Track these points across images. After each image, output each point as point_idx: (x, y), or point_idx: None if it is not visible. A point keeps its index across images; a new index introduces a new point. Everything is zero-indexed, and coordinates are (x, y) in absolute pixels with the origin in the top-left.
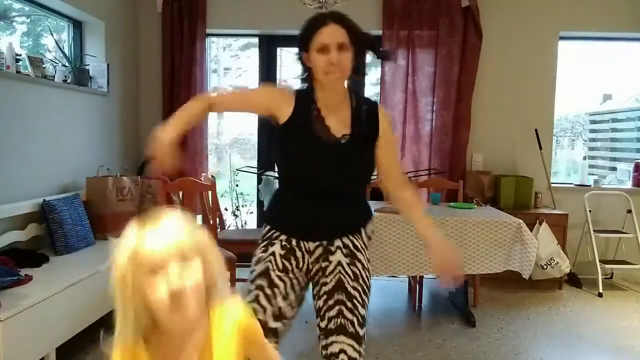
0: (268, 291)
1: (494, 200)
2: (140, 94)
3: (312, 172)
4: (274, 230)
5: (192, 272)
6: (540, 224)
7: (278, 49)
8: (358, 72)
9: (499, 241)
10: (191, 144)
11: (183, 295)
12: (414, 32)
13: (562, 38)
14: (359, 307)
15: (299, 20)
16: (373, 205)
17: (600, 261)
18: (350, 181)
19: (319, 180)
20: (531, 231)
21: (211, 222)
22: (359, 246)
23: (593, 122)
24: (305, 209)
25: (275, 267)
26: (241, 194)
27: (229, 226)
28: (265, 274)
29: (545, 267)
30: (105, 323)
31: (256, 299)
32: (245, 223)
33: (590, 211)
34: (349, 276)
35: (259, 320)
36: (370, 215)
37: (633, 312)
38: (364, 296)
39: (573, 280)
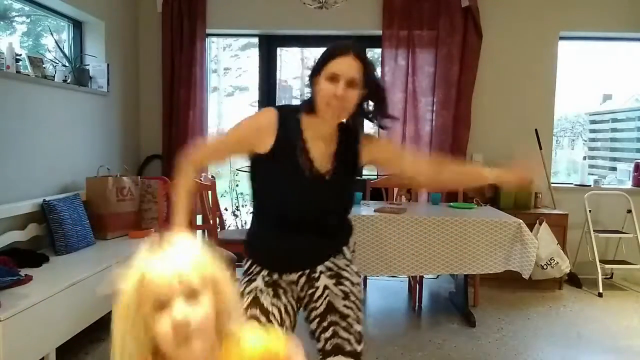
0: (263, 319)
1: (494, 200)
2: (140, 94)
3: (295, 208)
4: (255, 265)
5: (199, 308)
6: (540, 224)
7: (278, 49)
8: (360, 115)
9: (499, 241)
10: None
11: (188, 330)
12: (414, 32)
13: (562, 38)
14: (354, 324)
15: (299, 20)
16: (373, 205)
17: (600, 261)
18: (333, 214)
19: (301, 216)
20: (531, 231)
21: (211, 222)
22: (343, 265)
23: (593, 122)
24: (286, 243)
25: (265, 295)
26: (241, 194)
27: (229, 226)
28: (256, 302)
29: (545, 267)
30: (106, 323)
31: None
32: (245, 223)
33: (590, 211)
34: (339, 296)
35: None
36: (351, 232)
37: (633, 312)
38: (357, 312)
39: (573, 280)
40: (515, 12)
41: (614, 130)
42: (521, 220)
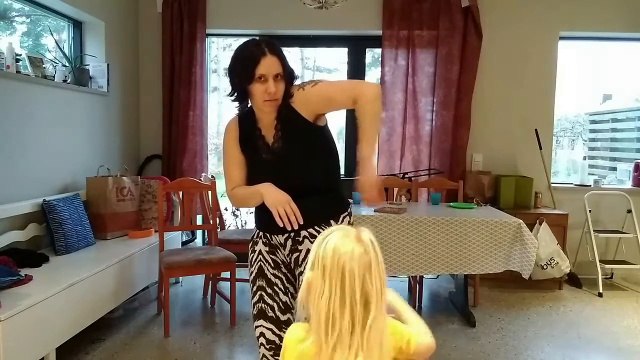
0: (269, 290)
1: (494, 200)
2: (140, 94)
3: (266, 180)
4: (257, 231)
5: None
6: (540, 224)
7: None
8: (287, 97)
9: (499, 241)
10: (191, 144)
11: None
12: (414, 32)
13: (562, 38)
14: None
15: (299, 20)
16: (373, 205)
17: (600, 261)
18: (305, 184)
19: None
20: (531, 231)
21: (211, 222)
22: None
23: (593, 122)
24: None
25: (268, 266)
26: None
27: (229, 226)
28: (262, 274)
29: (545, 267)
30: (106, 323)
31: (261, 299)
32: (245, 223)
33: (590, 211)
34: None
35: (270, 317)
36: (343, 209)
37: (633, 312)
38: None
39: (573, 280)
40: (515, 12)
41: (614, 130)
42: (521, 220)
